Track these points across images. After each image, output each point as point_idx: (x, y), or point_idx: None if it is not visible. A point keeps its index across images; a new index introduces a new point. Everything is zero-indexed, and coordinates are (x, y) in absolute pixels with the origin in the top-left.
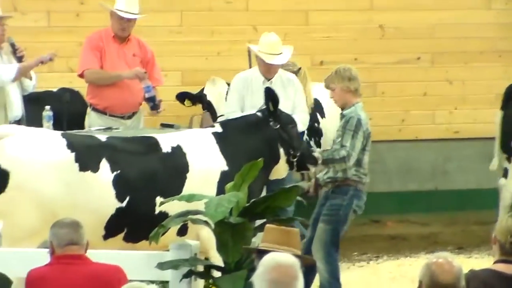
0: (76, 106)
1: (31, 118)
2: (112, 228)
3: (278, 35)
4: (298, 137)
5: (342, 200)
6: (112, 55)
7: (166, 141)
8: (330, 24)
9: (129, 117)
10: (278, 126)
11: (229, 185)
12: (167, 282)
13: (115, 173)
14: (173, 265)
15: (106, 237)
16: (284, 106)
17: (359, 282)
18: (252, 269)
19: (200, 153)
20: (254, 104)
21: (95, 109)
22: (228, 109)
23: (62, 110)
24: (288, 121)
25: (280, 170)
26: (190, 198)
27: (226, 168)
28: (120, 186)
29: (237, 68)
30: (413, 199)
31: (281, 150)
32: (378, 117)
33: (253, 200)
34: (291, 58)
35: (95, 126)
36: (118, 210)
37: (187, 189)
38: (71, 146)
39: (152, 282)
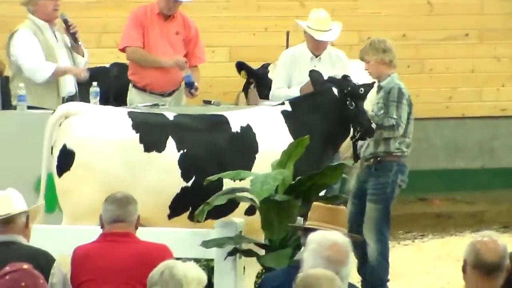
0: (125, 80)
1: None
2: (177, 207)
3: (326, 11)
4: (366, 113)
5: (387, 177)
6: (155, 32)
7: (236, 120)
8: (378, 0)
9: (169, 95)
10: (354, 106)
11: (274, 163)
12: (212, 260)
13: (181, 152)
14: (217, 243)
15: (171, 216)
16: None
17: (404, 260)
18: (297, 247)
19: (270, 134)
20: (301, 81)
21: (135, 86)
22: (275, 86)
23: (109, 85)
24: (362, 97)
25: (344, 145)
26: (236, 175)
27: None
28: (186, 165)
29: (285, 44)
30: (460, 177)
31: (352, 128)
32: (426, 94)
33: (298, 177)
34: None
35: (135, 103)
36: (184, 189)
37: (255, 171)
38: (136, 126)
39: (197, 260)
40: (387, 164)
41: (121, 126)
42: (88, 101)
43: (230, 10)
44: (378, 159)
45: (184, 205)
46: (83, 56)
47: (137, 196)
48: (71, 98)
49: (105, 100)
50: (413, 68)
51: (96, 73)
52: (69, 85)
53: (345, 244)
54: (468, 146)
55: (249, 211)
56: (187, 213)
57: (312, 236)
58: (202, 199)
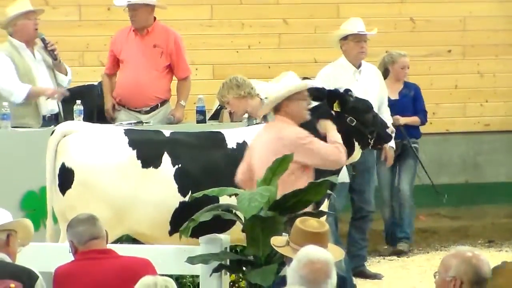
0: None
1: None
2: (177, 223)
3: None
4: (374, 122)
5: None
6: (130, 48)
7: (232, 137)
8: (361, 17)
9: (146, 112)
10: (355, 122)
11: (259, 179)
12: (197, 276)
13: (176, 167)
14: (203, 259)
15: (171, 232)
16: (373, 95)
17: (389, 276)
18: (282, 263)
19: None
20: None
21: (117, 103)
22: None
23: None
24: (364, 110)
25: (354, 156)
26: (221, 192)
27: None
28: (182, 180)
29: (268, 62)
30: (444, 192)
31: (356, 142)
32: None
33: (283, 194)
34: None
35: (117, 120)
36: (182, 204)
37: None
38: (133, 143)
39: (183, 276)
40: None
41: (118, 144)
42: (72, 119)
43: (214, 27)
44: None
45: (183, 220)
46: (65, 75)
47: (139, 211)
48: (54, 117)
49: (89, 118)
50: None
51: (82, 91)
52: (50, 104)
53: (326, 262)
54: (452, 161)
55: None
56: None
57: (298, 252)
58: None
